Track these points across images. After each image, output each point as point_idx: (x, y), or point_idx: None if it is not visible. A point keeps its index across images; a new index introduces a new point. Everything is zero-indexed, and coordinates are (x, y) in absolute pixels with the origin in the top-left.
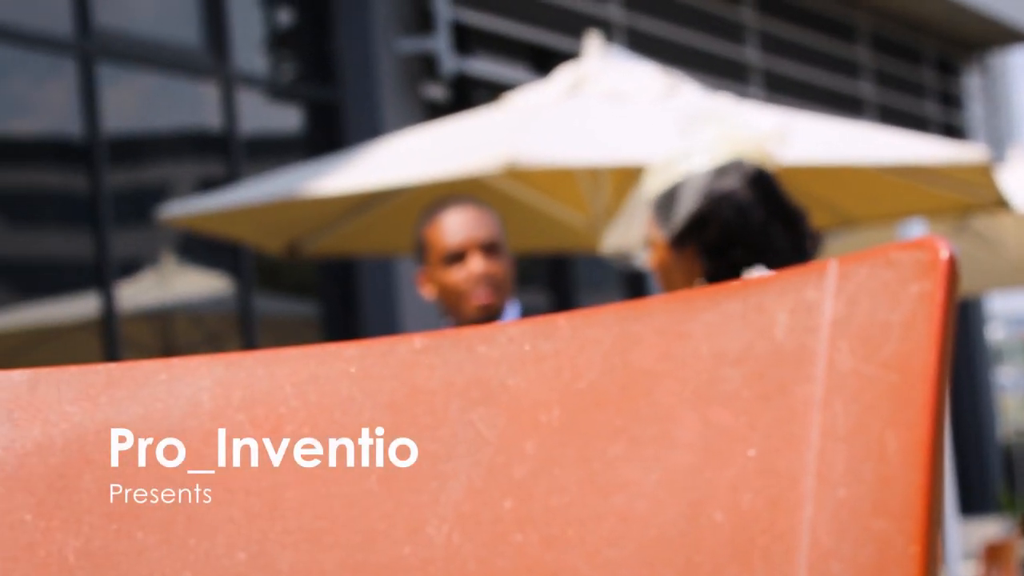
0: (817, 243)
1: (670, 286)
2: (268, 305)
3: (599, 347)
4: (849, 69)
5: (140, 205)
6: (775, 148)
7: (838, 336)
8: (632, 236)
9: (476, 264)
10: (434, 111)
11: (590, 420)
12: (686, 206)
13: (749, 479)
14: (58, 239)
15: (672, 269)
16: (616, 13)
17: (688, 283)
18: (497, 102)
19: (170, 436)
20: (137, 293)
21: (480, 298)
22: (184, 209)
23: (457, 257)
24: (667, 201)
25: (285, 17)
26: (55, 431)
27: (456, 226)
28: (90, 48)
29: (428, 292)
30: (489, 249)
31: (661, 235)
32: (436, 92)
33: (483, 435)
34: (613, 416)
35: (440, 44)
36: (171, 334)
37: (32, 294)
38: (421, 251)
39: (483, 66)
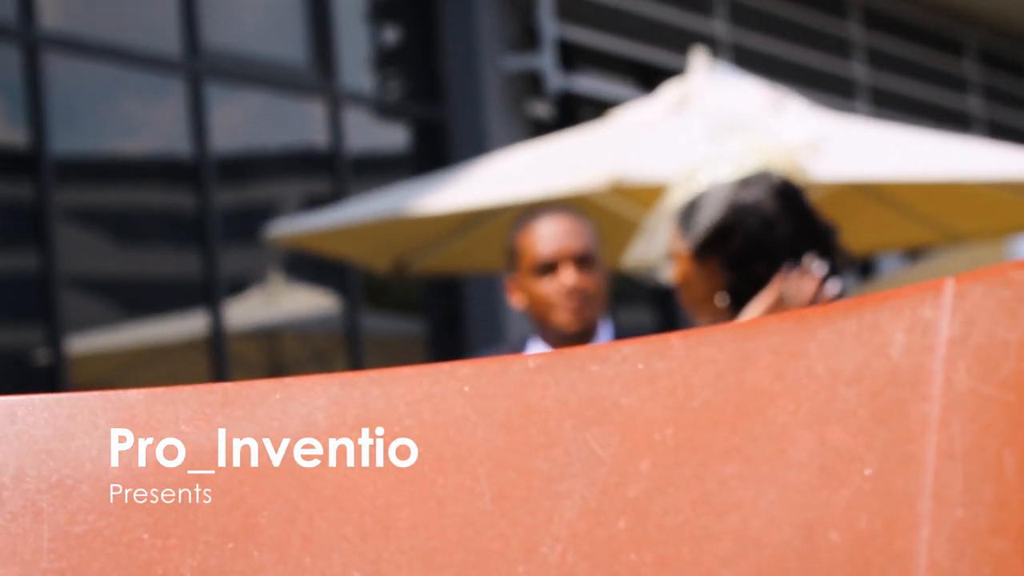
0: (847, 261)
1: (692, 298)
2: (374, 323)
3: (713, 366)
4: (957, 84)
5: (248, 224)
6: (808, 160)
7: (955, 355)
8: (654, 249)
9: (568, 276)
10: (539, 129)
11: (704, 439)
12: (709, 216)
13: (865, 499)
14: (167, 258)
15: (694, 281)
16: (721, 29)
17: (710, 296)
18: (602, 119)
19: (285, 455)
20: (245, 311)
21: (570, 312)
22: (291, 228)
23: (549, 268)
24: (690, 211)
25: (391, 35)
26: (170, 449)
27: (550, 235)
28: (198, 67)
29: (517, 301)
30: (582, 262)
31: (683, 246)
32: (541, 110)
33: (597, 454)
34: (727, 435)
35: (545, 62)
36: (278, 352)
37: (141, 312)
38: (512, 258)
39: (588, 83)
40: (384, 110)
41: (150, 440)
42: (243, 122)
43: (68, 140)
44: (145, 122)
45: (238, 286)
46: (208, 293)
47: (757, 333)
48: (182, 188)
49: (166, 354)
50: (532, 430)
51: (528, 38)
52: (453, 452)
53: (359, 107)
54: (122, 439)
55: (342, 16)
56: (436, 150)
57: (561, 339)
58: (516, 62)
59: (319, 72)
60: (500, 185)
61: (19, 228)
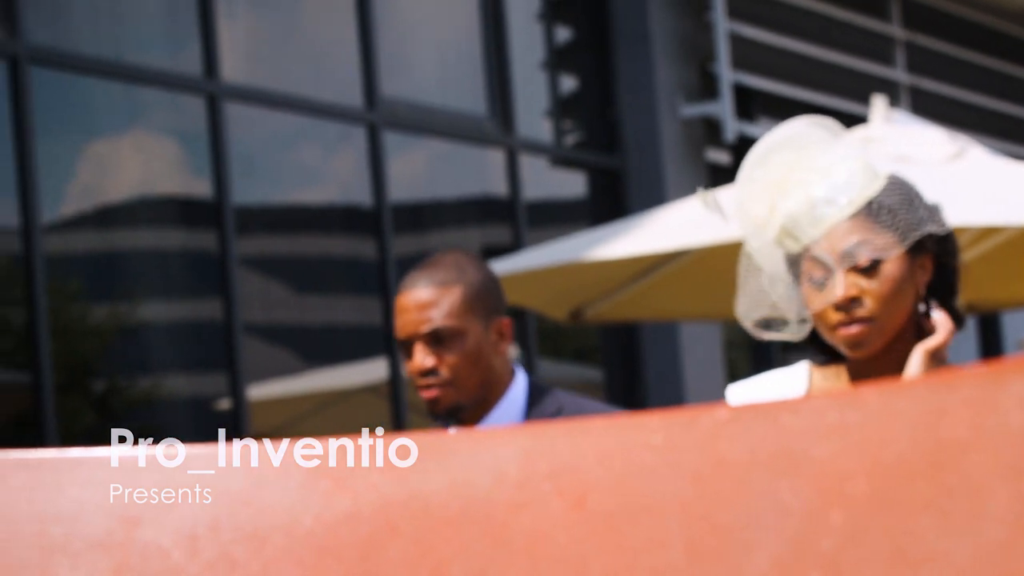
0: (960, 318)
1: (902, 298)
2: (551, 370)
3: (906, 418)
4: None
5: None
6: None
7: None
8: (761, 304)
9: (417, 359)
10: (717, 175)
11: (898, 491)
12: (930, 211)
13: None
14: (346, 305)
15: (901, 279)
16: (900, 74)
17: (911, 298)
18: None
19: (473, 508)
20: None
21: (426, 396)
22: None
23: (405, 349)
24: (905, 204)
25: (568, 84)
26: (363, 500)
27: (402, 312)
28: (377, 117)
29: None
30: (436, 341)
31: (894, 241)
32: (719, 156)
33: (788, 506)
34: (921, 488)
35: (723, 109)
36: None
37: (321, 359)
38: None
39: (766, 130)
40: (561, 158)
41: (341, 490)
42: (421, 171)
43: (249, 189)
44: (324, 171)
45: None
46: (388, 340)
47: (950, 385)
48: (361, 236)
49: (345, 400)
50: (722, 482)
51: (706, 86)
52: (644, 503)
53: (536, 155)
54: (314, 489)
55: (519, 65)
56: (613, 198)
57: (434, 419)
58: (693, 109)
59: (496, 121)
60: (677, 232)
61: (202, 277)
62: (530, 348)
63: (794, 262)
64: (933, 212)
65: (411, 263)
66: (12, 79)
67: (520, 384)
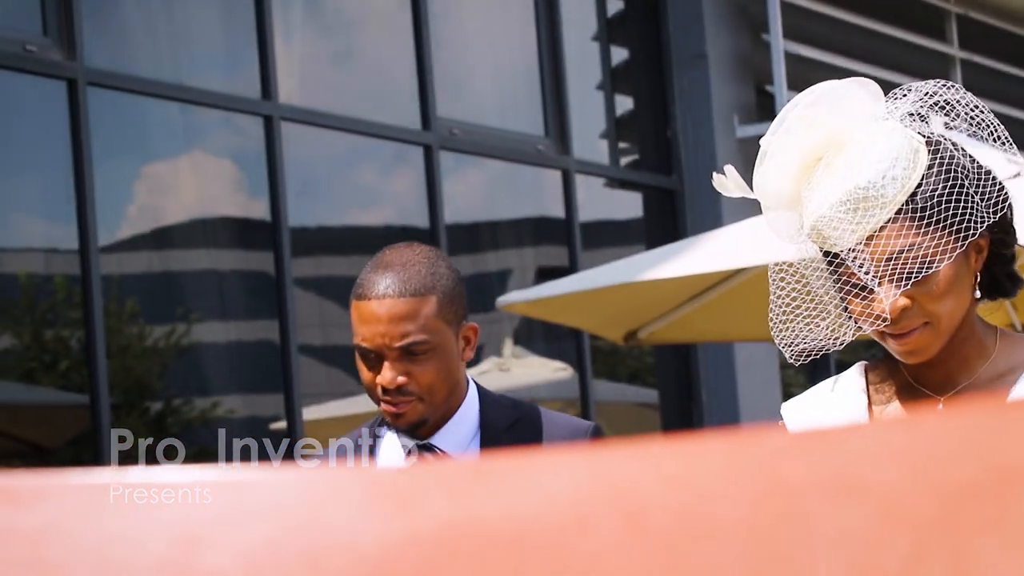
0: None
1: (958, 295)
2: (607, 390)
3: (971, 441)
4: None
5: (481, 293)
6: None
7: None
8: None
9: (386, 374)
10: None
11: (962, 515)
12: (983, 186)
13: None
14: None
15: (963, 272)
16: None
17: (974, 278)
18: None
19: (532, 532)
20: (478, 379)
21: (391, 411)
22: (524, 297)
23: (369, 359)
24: (956, 190)
25: (625, 105)
26: (422, 523)
27: (371, 320)
28: (433, 138)
29: None
30: (408, 354)
31: (947, 244)
32: None
33: (851, 530)
34: (985, 512)
35: None
36: None
37: None
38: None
39: None
40: (617, 179)
41: (400, 513)
42: (477, 192)
43: (305, 210)
44: (381, 192)
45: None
46: None
47: (1015, 408)
48: None
49: None
50: (784, 505)
51: (762, 105)
52: (704, 528)
53: (592, 176)
54: (374, 512)
55: (575, 86)
56: (669, 218)
57: (397, 429)
58: (750, 129)
59: (552, 142)
60: (733, 253)
61: (258, 297)
62: (585, 369)
63: (830, 259)
64: (986, 186)
65: (467, 283)
66: (71, 100)
67: (473, 393)
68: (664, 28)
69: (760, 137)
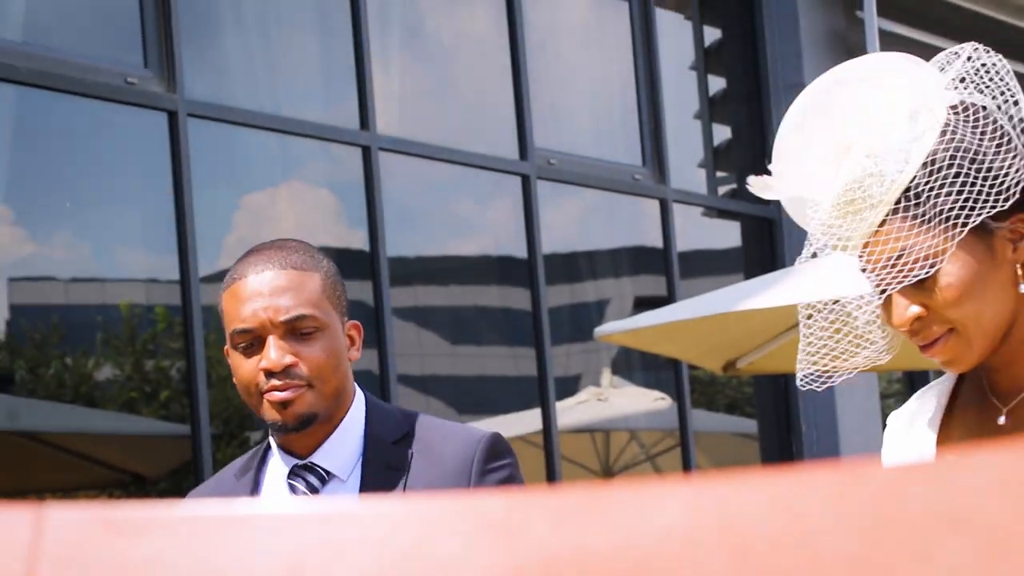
0: None
1: (982, 291)
2: (705, 420)
3: None
4: None
5: (579, 322)
6: None
7: None
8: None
9: (270, 355)
10: None
11: None
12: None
13: None
14: (500, 355)
15: (984, 264)
16: None
17: (1013, 268)
18: None
19: (639, 563)
20: (576, 409)
21: (273, 405)
22: (622, 327)
23: (249, 342)
24: (955, 174)
25: (722, 134)
26: (529, 555)
27: (249, 294)
28: (530, 168)
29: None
30: (294, 331)
31: (945, 237)
32: None
33: (960, 564)
34: None
35: None
36: (608, 451)
37: (474, 410)
38: (221, 317)
39: None
40: (715, 208)
41: (506, 545)
42: (574, 221)
43: (403, 240)
44: (478, 222)
45: (569, 384)
46: (542, 391)
47: None
48: (514, 287)
49: None
50: (893, 538)
51: None
52: (812, 561)
53: (690, 205)
54: (480, 543)
55: (672, 116)
56: (767, 247)
57: (277, 430)
58: None
59: (650, 171)
60: (832, 282)
61: None
62: (684, 399)
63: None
64: (1002, 164)
65: (563, 314)
66: (171, 132)
67: (360, 403)
68: (762, 57)
69: None
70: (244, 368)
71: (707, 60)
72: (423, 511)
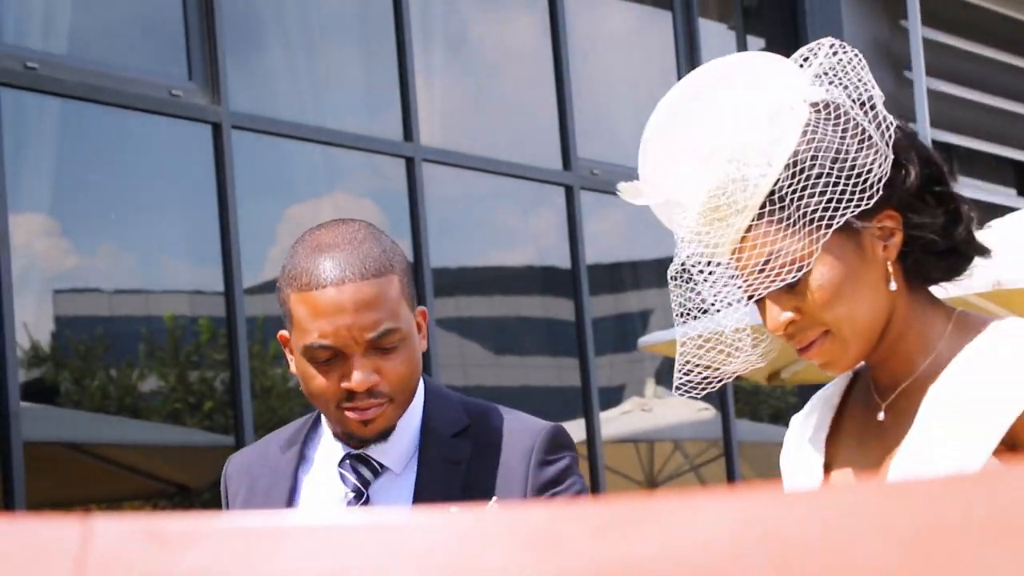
0: None
1: (853, 291)
2: (748, 430)
3: None
4: None
5: (623, 332)
6: None
7: None
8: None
9: (356, 376)
10: None
11: None
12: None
13: None
14: (544, 366)
15: (853, 263)
16: None
17: (885, 268)
18: (984, 225)
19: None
20: (620, 420)
21: (356, 424)
22: (666, 337)
23: (326, 358)
24: (821, 173)
25: None
26: (572, 567)
27: (330, 308)
28: (573, 178)
29: (295, 368)
30: (378, 347)
31: (813, 239)
32: None
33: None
34: None
35: None
36: (652, 461)
37: None
38: (283, 311)
39: (971, 188)
40: None
41: (549, 557)
42: (617, 231)
43: (446, 251)
44: (521, 232)
45: (613, 394)
46: (585, 401)
47: None
48: (558, 297)
49: None
50: (935, 549)
51: None
52: (854, 572)
53: None
54: (522, 556)
55: None
56: None
57: (354, 441)
58: None
59: None
60: None
61: None
62: (728, 409)
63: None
64: (864, 163)
65: (607, 324)
66: (215, 144)
67: (420, 391)
68: None
69: None
70: (321, 381)
71: None
72: (467, 522)
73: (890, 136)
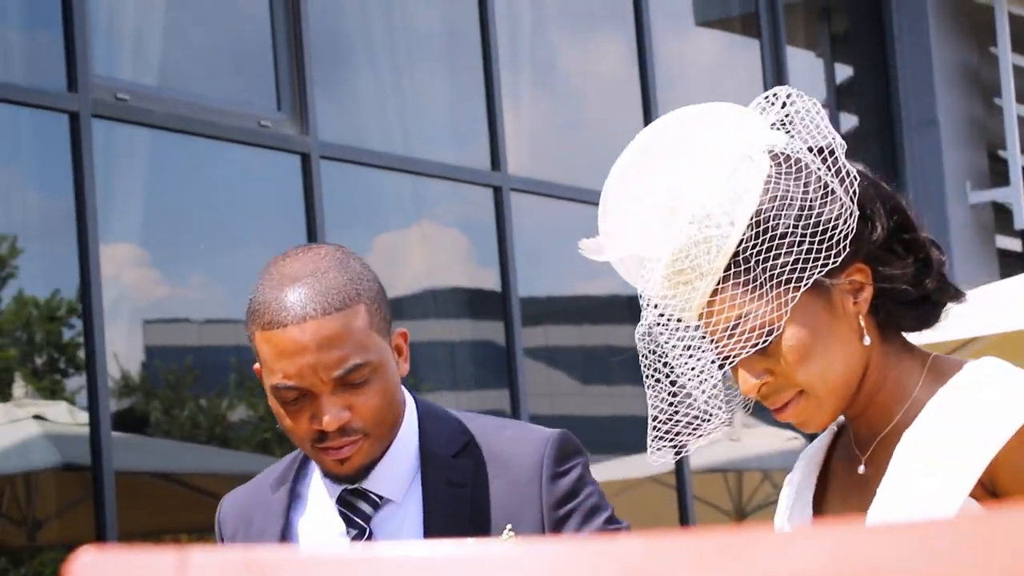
0: None
1: (827, 349)
2: None
3: None
4: None
5: None
6: None
7: None
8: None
9: (327, 416)
10: (1008, 262)
11: None
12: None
13: None
14: (631, 396)
15: (825, 321)
16: None
17: (858, 322)
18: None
19: None
20: (709, 450)
21: (334, 463)
22: None
23: (295, 398)
24: (788, 230)
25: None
26: None
27: (294, 349)
28: None
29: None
30: (348, 384)
31: (784, 301)
32: (1010, 243)
33: None
34: None
35: (1014, 194)
36: (741, 491)
37: (606, 450)
38: (252, 344)
39: None
40: None
41: None
42: None
43: (534, 280)
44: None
45: None
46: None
47: None
48: None
49: (631, 491)
50: None
51: (995, 170)
52: None
53: None
54: None
55: None
56: None
57: (336, 481)
58: (982, 195)
59: None
60: (967, 320)
61: (489, 367)
62: (812, 437)
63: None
64: (829, 218)
65: None
66: (304, 174)
67: (411, 413)
68: (895, 94)
69: (993, 203)
70: (294, 424)
71: (839, 97)
72: (560, 555)
73: (854, 189)
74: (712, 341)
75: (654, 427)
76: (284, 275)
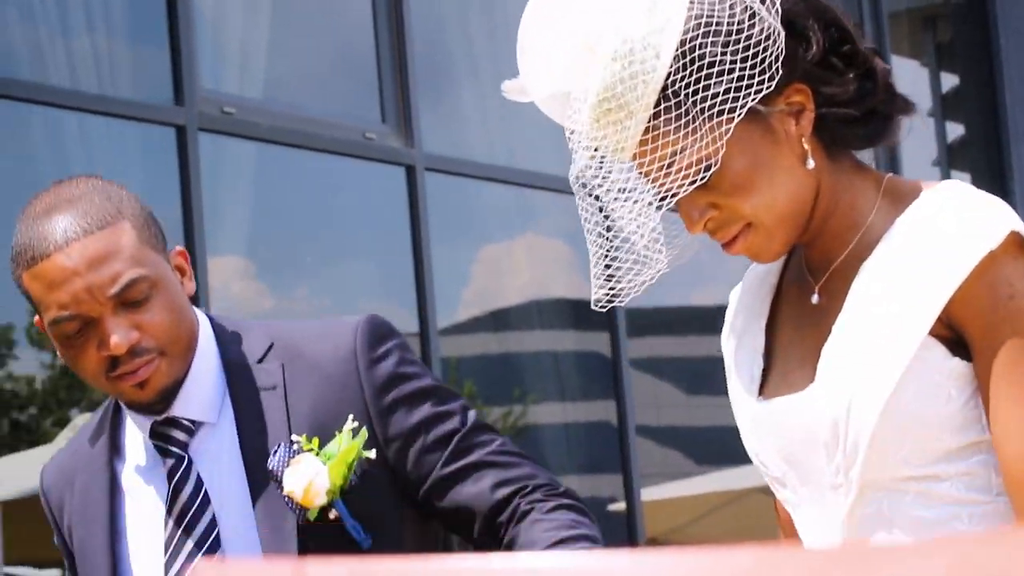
0: None
1: (770, 178)
2: None
3: None
4: None
5: None
6: None
7: None
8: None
9: (113, 340)
10: None
11: None
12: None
13: None
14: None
15: (764, 148)
16: None
17: (801, 144)
18: None
19: None
20: None
21: (131, 390)
22: None
23: (76, 330)
24: (717, 53)
25: (960, 180)
26: None
27: (61, 277)
28: None
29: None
30: (130, 302)
31: (719, 133)
32: None
33: None
34: None
35: None
36: None
37: (711, 461)
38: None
39: None
40: None
41: None
42: None
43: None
44: (713, 272)
45: None
46: None
47: None
48: None
49: (738, 502)
50: None
51: None
52: None
53: None
54: None
55: (909, 161)
56: None
57: (142, 411)
58: None
59: None
60: None
61: (594, 378)
62: None
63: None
64: (760, 40)
65: None
66: (409, 185)
67: (206, 327)
68: (1001, 103)
69: None
70: (83, 359)
71: (944, 106)
72: (669, 566)
73: (777, 8)
74: (648, 181)
75: (595, 274)
76: (39, 210)
